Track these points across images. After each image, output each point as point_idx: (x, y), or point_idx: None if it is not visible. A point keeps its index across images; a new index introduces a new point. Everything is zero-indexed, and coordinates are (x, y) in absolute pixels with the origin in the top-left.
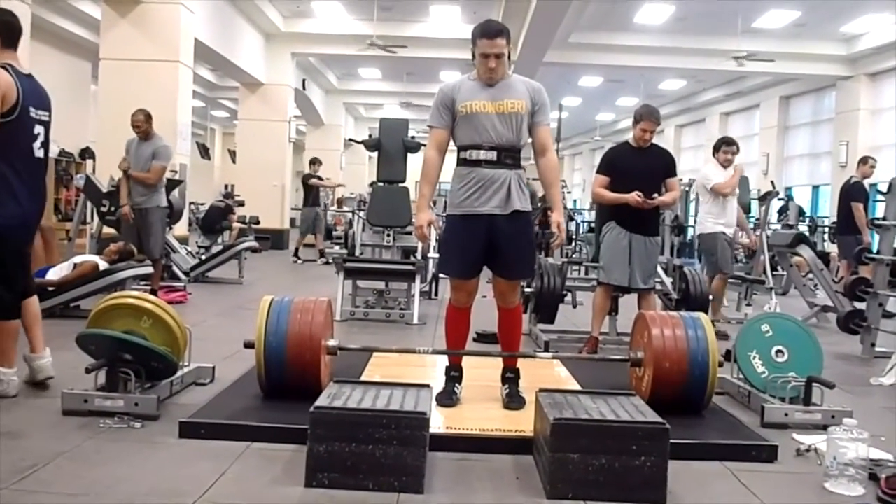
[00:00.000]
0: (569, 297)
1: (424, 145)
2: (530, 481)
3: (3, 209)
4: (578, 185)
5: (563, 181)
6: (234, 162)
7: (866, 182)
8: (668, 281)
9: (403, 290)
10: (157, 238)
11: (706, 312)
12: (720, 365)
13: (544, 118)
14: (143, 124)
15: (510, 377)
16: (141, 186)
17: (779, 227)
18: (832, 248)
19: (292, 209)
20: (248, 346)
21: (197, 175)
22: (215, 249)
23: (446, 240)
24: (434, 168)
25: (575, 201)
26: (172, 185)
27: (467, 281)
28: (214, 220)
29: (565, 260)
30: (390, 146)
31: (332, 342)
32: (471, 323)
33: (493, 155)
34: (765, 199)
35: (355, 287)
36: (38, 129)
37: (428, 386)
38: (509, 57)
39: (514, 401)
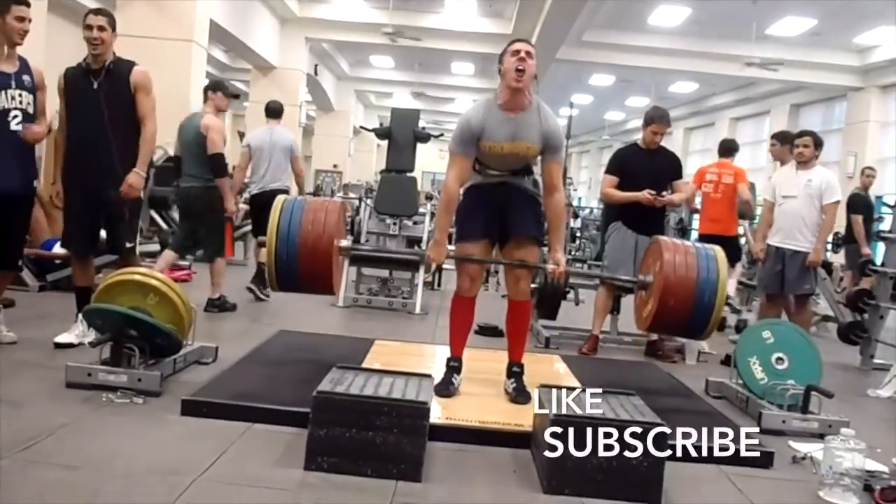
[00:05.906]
0: (571, 294)
1: (434, 136)
2: (527, 476)
3: None
4: (584, 183)
5: (570, 178)
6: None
7: (872, 193)
8: None
9: (407, 280)
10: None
11: None
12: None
13: (555, 156)
14: None
15: (516, 371)
16: None
17: None
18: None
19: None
20: (261, 244)
21: None
22: None
23: (460, 209)
24: (454, 199)
25: (580, 199)
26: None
27: (477, 242)
28: None
29: (569, 258)
30: (400, 136)
31: (344, 243)
32: (474, 316)
33: (504, 175)
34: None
35: (359, 274)
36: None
37: (429, 376)
38: (535, 77)
39: (521, 395)
